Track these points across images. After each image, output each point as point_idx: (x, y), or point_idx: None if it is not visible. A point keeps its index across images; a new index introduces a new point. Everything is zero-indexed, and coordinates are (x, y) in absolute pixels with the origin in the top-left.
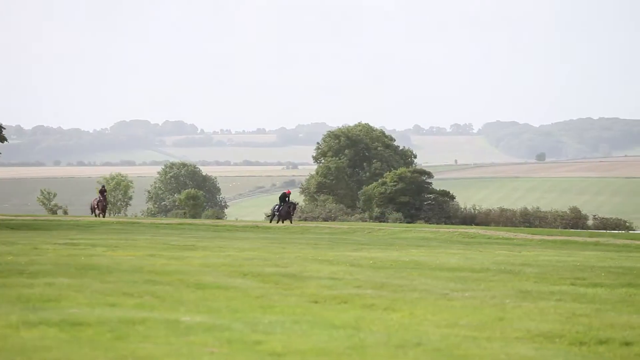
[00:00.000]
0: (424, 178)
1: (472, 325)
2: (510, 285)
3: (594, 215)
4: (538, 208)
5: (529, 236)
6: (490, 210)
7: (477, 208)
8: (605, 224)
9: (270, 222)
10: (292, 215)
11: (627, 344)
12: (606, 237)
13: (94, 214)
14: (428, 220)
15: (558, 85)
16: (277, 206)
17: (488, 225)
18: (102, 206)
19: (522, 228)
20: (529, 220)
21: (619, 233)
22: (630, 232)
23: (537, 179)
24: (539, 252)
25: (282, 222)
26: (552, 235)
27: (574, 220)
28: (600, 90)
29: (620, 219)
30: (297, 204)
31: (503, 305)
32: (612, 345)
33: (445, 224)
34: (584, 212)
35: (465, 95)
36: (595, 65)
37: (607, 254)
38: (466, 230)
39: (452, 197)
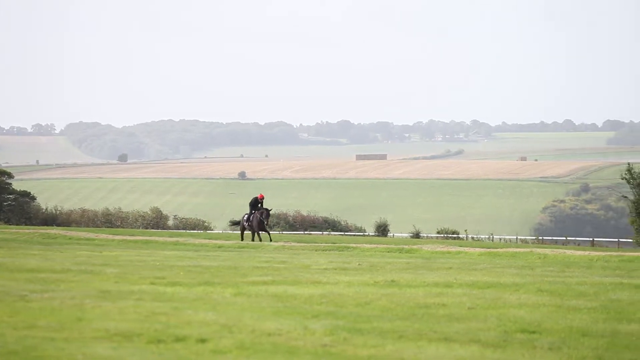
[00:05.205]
0: (4, 178)
1: (50, 327)
2: (91, 285)
3: (175, 216)
4: (120, 208)
5: (110, 236)
6: (71, 210)
7: (59, 209)
8: (185, 224)
9: (242, 239)
10: (267, 224)
11: (202, 340)
12: (186, 236)
13: None
14: (8, 222)
15: (171, 85)
16: (246, 215)
17: (69, 226)
18: None
19: (104, 228)
20: (110, 220)
21: (198, 233)
22: (209, 231)
23: (120, 179)
24: (120, 252)
25: (255, 239)
26: (133, 235)
27: (155, 221)
28: (203, 93)
29: (200, 219)
30: (270, 210)
31: (83, 306)
32: (189, 342)
33: (26, 224)
34: (165, 212)
35: (47, 95)
36: (216, 70)
37: (187, 253)
38: (47, 231)
39: (34, 198)
